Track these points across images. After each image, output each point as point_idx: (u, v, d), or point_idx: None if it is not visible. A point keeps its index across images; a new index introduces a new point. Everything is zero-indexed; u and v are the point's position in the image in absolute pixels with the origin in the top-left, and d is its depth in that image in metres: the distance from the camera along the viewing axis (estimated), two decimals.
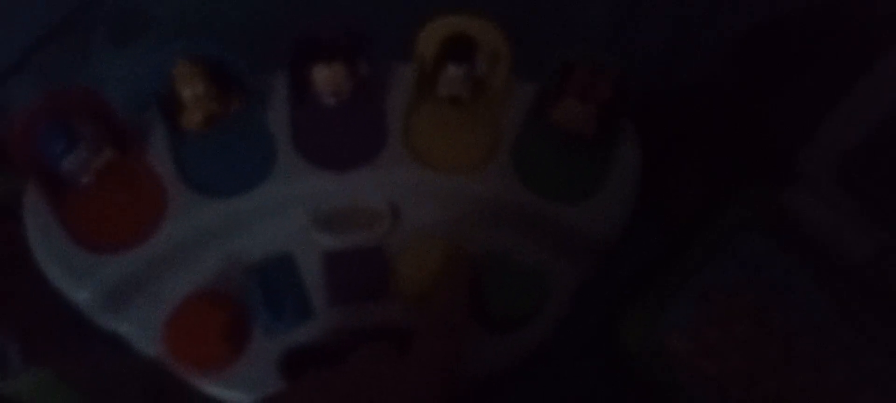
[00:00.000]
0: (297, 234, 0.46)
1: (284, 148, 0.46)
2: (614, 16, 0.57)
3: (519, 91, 0.47)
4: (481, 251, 0.46)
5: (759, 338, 0.46)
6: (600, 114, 0.45)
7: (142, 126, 0.45)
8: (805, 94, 0.52)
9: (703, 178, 0.54)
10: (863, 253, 0.46)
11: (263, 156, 0.45)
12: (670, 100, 0.56)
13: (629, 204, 0.47)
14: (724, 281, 0.47)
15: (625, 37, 0.56)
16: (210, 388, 0.44)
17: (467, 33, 0.44)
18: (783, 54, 0.56)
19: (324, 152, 0.46)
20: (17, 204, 0.45)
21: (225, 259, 0.45)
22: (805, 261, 0.47)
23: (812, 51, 0.53)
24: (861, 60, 0.46)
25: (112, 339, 0.45)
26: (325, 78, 0.44)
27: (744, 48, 0.57)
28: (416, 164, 0.46)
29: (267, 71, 0.47)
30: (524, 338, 0.46)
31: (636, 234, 0.48)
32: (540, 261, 0.46)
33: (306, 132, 0.46)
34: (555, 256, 0.47)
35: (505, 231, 0.47)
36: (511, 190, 0.46)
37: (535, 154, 0.46)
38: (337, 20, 0.44)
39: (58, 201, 0.43)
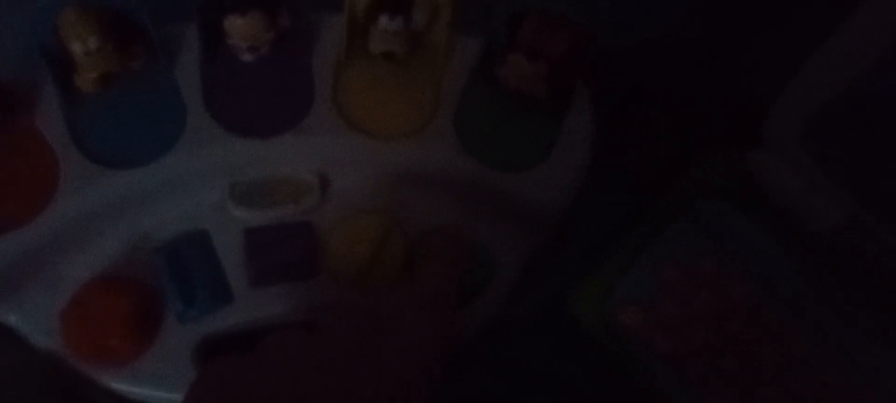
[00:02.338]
0: (213, 209, 0.41)
1: (195, 110, 0.40)
2: None
3: (462, 47, 0.43)
4: (420, 224, 0.42)
5: (720, 312, 0.43)
6: (552, 73, 0.41)
7: (28, 85, 0.39)
8: (772, 53, 0.50)
9: (662, 142, 0.51)
10: (831, 221, 0.43)
11: (171, 121, 0.40)
12: (627, 55, 0.52)
13: (581, 172, 0.44)
14: (682, 251, 0.44)
15: None
16: (117, 384, 0.39)
17: None
18: (751, 8, 0.53)
19: (241, 115, 0.41)
20: None
21: (129, 238, 0.40)
22: (771, 230, 0.44)
23: (782, 4, 0.50)
24: (832, 17, 0.43)
25: (3, 331, 0.40)
26: (240, 29, 0.39)
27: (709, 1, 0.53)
28: (347, 129, 0.42)
29: (174, 20, 0.41)
30: (469, 315, 0.43)
31: (589, 201, 0.45)
32: (484, 235, 0.43)
33: (220, 92, 0.41)
34: (500, 229, 0.43)
35: (446, 202, 0.43)
36: (452, 157, 0.42)
37: (479, 117, 0.42)
38: None
39: None
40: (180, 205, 0.41)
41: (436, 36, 0.41)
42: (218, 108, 0.41)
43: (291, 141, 0.41)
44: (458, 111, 0.42)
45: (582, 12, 0.42)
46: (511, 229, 0.43)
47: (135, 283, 0.40)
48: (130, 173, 0.39)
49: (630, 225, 0.46)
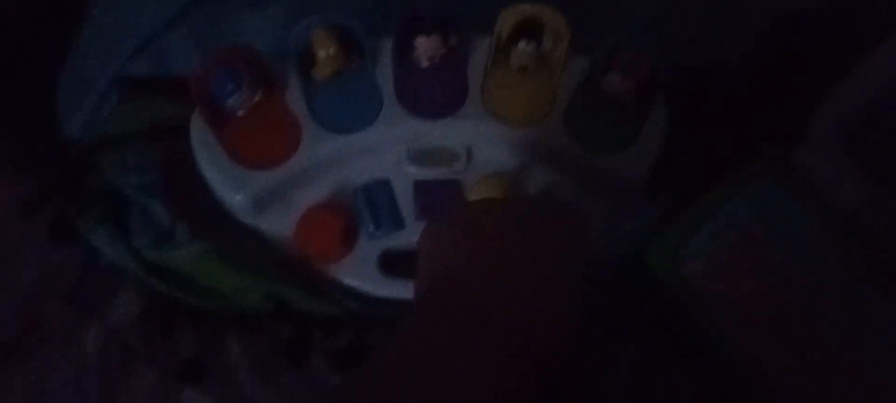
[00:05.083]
0: (395, 165, 0.60)
1: (389, 99, 0.59)
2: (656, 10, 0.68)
3: (573, 63, 0.58)
4: (534, 187, 0.60)
5: (764, 266, 0.54)
6: (638, 87, 0.57)
7: (282, 74, 0.58)
8: (816, 71, 0.60)
9: (720, 137, 0.65)
10: (856, 201, 0.54)
11: (373, 104, 0.59)
12: (703, 78, 0.66)
13: (655, 157, 0.59)
14: (737, 221, 0.56)
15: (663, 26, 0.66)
16: (328, 272, 0.59)
17: (537, 17, 0.56)
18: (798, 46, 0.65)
19: (418, 104, 0.59)
20: (182, 125, 0.59)
21: (340, 179, 0.60)
22: (809, 207, 0.55)
23: (820, 42, 0.63)
24: (860, 49, 0.56)
25: (248, 230, 0.60)
26: (424, 45, 0.56)
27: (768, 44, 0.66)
28: (489, 118, 0.59)
29: (377, 35, 0.59)
30: None
31: (664, 180, 0.60)
32: (579, 198, 0.59)
33: (405, 87, 0.59)
34: (592, 195, 0.60)
35: (554, 173, 0.60)
36: (562, 142, 0.59)
37: (583, 114, 0.59)
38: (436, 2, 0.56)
39: (218, 127, 0.56)
40: (374, 161, 0.60)
41: (556, 55, 0.58)
42: (403, 98, 0.59)
43: (451, 123, 0.59)
44: (568, 109, 0.59)
45: (667, 45, 0.57)
46: (599, 196, 0.60)
47: (343, 209, 0.59)
48: (346, 138, 0.58)
49: (697, 199, 0.58)
